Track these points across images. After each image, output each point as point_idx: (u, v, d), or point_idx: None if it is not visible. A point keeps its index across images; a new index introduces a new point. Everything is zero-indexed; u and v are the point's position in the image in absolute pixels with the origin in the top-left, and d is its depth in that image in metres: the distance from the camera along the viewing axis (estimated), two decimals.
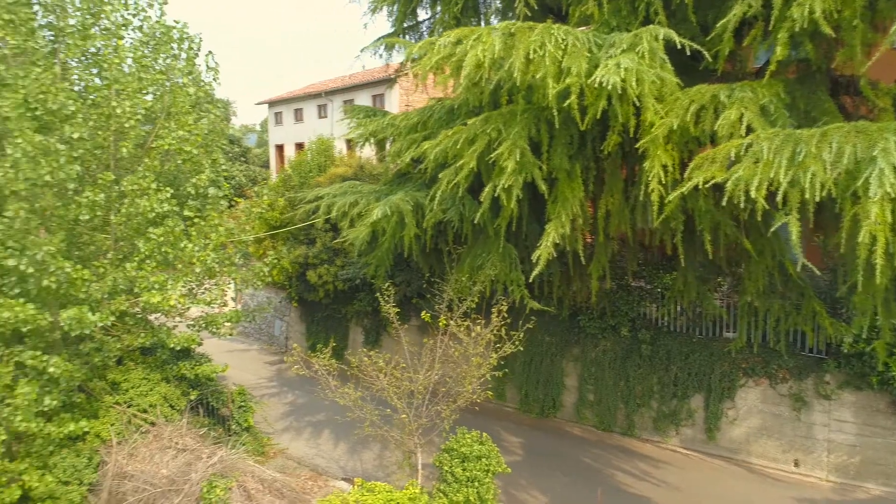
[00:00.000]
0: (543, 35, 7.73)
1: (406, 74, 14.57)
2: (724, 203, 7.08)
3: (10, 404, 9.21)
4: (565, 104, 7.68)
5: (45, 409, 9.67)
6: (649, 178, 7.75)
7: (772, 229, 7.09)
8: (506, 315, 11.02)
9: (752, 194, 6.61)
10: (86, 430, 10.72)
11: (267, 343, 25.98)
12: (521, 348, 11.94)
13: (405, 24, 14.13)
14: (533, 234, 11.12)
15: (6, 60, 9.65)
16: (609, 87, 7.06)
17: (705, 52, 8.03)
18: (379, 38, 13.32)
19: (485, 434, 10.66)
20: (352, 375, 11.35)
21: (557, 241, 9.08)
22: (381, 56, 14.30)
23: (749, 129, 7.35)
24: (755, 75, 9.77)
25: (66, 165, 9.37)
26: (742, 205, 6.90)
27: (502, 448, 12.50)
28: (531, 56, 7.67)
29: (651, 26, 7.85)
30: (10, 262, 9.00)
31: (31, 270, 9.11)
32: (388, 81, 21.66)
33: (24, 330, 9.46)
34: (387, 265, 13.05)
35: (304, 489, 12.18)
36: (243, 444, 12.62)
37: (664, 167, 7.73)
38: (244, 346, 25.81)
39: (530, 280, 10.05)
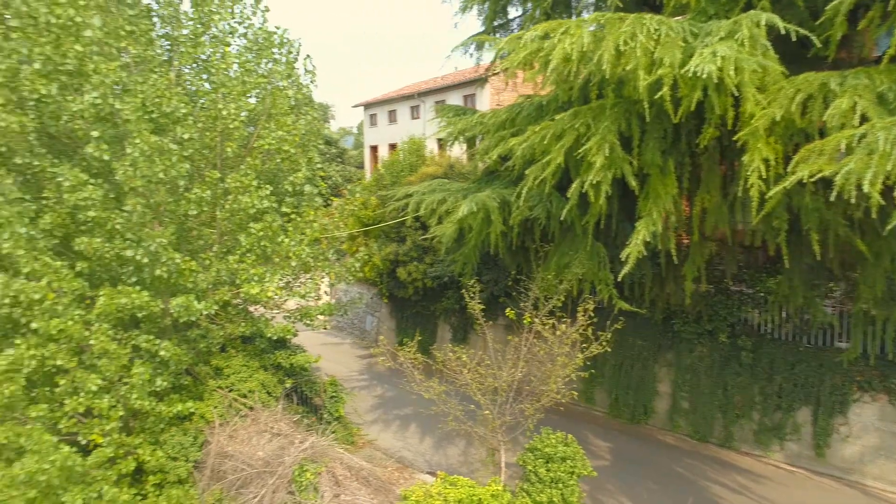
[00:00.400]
0: (635, 25, 7.49)
1: (497, 74, 14.55)
2: (833, 199, 6.58)
3: (127, 383, 10.05)
4: (657, 96, 7.40)
5: (157, 389, 10.46)
6: (748, 173, 7.32)
7: (889, 228, 6.47)
8: (592, 314, 10.75)
9: (866, 189, 6.10)
10: (192, 410, 11.49)
11: (359, 338, 26.81)
12: (609, 350, 11.63)
13: (495, 23, 14.13)
14: (623, 232, 10.80)
15: (128, 68, 10.57)
16: (704, 76, 6.73)
17: (814, 38, 7.46)
18: (469, 38, 13.40)
19: (570, 435, 10.48)
20: (437, 371, 11.49)
21: (648, 240, 8.78)
22: (471, 55, 14.39)
23: (864, 119, 6.77)
24: (876, 63, 8.98)
25: (177, 164, 10.11)
26: (854, 201, 6.38)
27: (589, 452, 12.22)
28: (621, 48, 7.45)
29: (752, 12, 7.40)
30: (129, 253, 9.83)
31: (145, 261, 9.92)
32: (479, 81, 21.75)
33: (140, 315, 10.30)
34: (473, 262, 13.10)
35: (391, 480, 12.45)
36: (333, 433, 13.08)
37: (765, 161, 7.28)
38: (337, 339, 26.77)
39: (619, 279, 9.77)
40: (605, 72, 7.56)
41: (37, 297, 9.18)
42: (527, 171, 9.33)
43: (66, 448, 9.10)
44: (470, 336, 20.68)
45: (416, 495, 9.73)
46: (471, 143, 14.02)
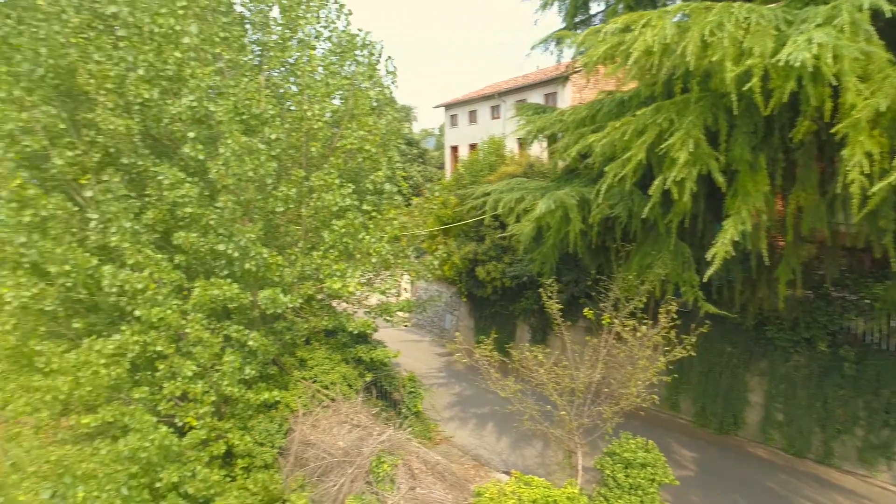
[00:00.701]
0: (722, 14, 7.15)
1: (578, 71, 14.27)
2: None
3: (218, 370, 10.66)
4: (745, 88, 7.02)
5: (246, 377, 11.02)
6: (849, 169, 6.80)
7: None
8: (675, 317, 10.34)
9: None
10: (278, 399, 12.03)
11: (438, 336, 27.06)
12: (695, 355, 11.15)
13: (576, 19, 13.87)
14: (710, 231, 10.35)
15: (222, 72, 11.19)
16: (797, 65, 6.32)
17: None
18: (549, 34, 13.23)
19: (650, 441, 10.14)
20: (513, 370, 11.43)
21: (737, 240, 8.36)
22: (551, 53, 14.16)
23: None
24: None
25: (266, 163, 10.61)
26: None
27: (673, 461, 11.77)
28: (707, 38, 7.13)
29: None
30: (221, 247, 10.42)
31: (236, 255, 10.48)
32: (560, 79, 21.42)
33: (231, 307, 10.90)
34: (552, 262, 12.94)
35: (466, 477, 12.51)
36: (410, 427, 13.30)
37: (868, 155, 6.74)
38: (417, 337, 27.15)
39: (705, 281, 9.35)
40: (689, 64, 7.26)
41: (140, 286, 9.90)
42: (606, 169, 9.11)
43: (164, 428, 9.77)
44: (549, 337, 20.41)
45: (489, 493, 9.72)
46: (550, 140, 13.85)
